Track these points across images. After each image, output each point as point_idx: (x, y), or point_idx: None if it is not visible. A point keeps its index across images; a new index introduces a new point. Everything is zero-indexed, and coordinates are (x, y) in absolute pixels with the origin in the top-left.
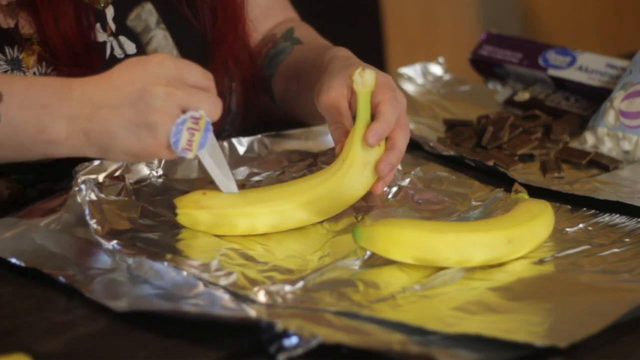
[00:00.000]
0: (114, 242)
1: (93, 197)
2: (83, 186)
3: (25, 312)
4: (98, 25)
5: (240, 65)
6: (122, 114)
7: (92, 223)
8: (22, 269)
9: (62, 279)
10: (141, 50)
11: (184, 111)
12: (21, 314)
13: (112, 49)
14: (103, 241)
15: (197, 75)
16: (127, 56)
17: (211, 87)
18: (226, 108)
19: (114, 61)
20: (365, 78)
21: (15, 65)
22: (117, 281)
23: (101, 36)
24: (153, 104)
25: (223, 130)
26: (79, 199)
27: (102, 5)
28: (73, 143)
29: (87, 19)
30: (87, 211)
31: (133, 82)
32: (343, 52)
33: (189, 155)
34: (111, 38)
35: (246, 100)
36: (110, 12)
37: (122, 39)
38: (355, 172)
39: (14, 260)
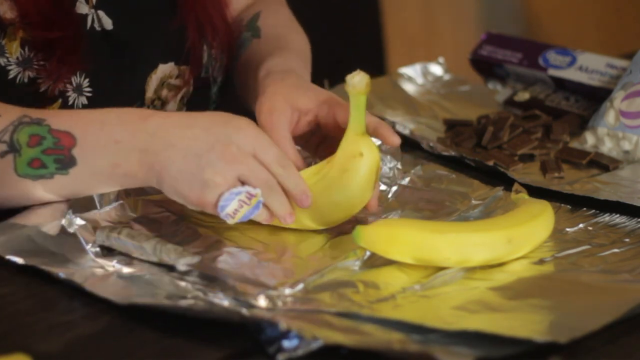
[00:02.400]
0: (114, 261)
1: (81, 221)
2: (70, 215)
3: (25, 312)
4: None
5: (210, 18)
6: (185, 160)
7: (89, 248)
8: (22, 269)
9: (62, 274)
10: (118, 26)
11: (241, 182)
12: (21, 314)
13: (93, 21)
14: (104, 261)
15: (271, 155)
16: (104, 31)
17: (279, 174)
18: (210, 78)
19: (93, 34)
20: (355, 80)
21: None
22: (117, 279)
23: (83, 8)
24: (214, 164)
25: (213, 101)
26: (69, 230)
27: None
28: (143, 174)
29: None
30: (81, 238)
31: (207, 134)
32: (281, 66)
33: (230, 221)
34: (92, 10)
35: (225, 66)
36: None
37: (101, 13)
38: (334, 175)
39: (13, 258)
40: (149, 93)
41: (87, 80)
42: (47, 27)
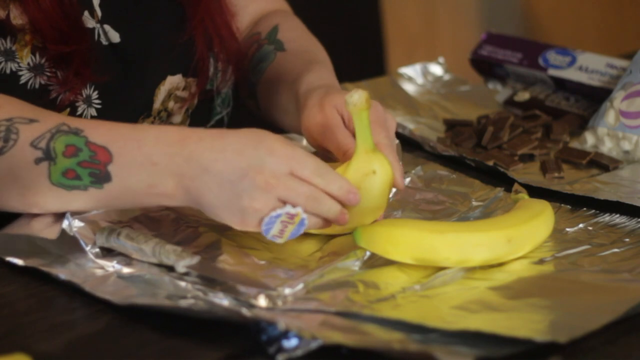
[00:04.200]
0: (114, 262)
1: (80, 223)
2: (69, 218)
3: (25, 312)
4: (86, 12)
5: (218, 30)
6: (220, 187)
7: (88, 249)
8: (22, 269)
9: (62, 276)
10: (125, 40)
11: (282, 201)
12: (21, 314)
13: (99, 35)
14: (104, 262)
15: (308, 169)
16: (111, 44)
17: (320, 184)
18: (214, 90)
19: (100, 48)
20: (355, 98)
21: (9, 57)
22: (117, 279)
23: (90, 22)
24: (250, 191)
25: (216, 113)
26: (69, 232)
27: None
28: (181, 197)
29: None
30: (81, 241)
31: (240, 158)
32: (320, 80)
33: (279, 241)
34: (98, 25)
35: (235, 79)
36: None
37: (107, 27)
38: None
39: (13, 260)
40: (157, 104)
41: (96, 92)
42: (60, 40)
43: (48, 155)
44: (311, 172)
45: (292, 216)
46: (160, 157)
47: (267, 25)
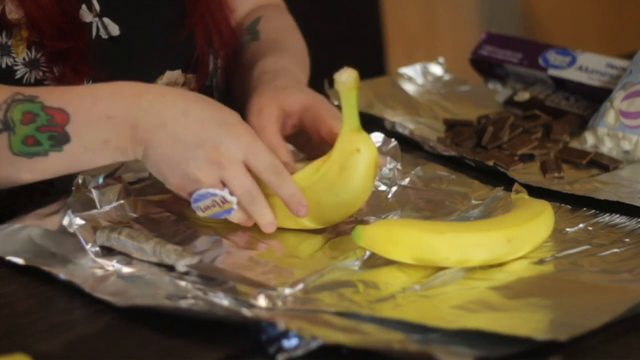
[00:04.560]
0: (114, 261)
1: (81, 221)
2: (70, 215)
3: (25, 312)
4: (84, 6)
5: (218, 25)
6: (173, 147)
7: (89, 248)
8: (22, 269)
9: (62, 276)
10: (125, 32)
11: (223, 184)
12: (21, 314)
13: (98, 29)
14: (104, 261)
15: (264, 162)
16: (111, 38)
17: (272, 181)
18: (213, 87)
19: (99, 42)
20: (344, 77)
21: (5, 52)
22: (117, 279)
23: (87, 16)
24: (200, 161)
25: None
26: (69, 230)
27: None
28: (132, 148)
29: None
30: (81, 238)
31: (201, 128)
32: (274, 65)
33: (199, 214)
34: (96, 19)
35: (229, 74)
36: None
37: (106, 20)
38: (333, 174)
39: (13, 259)
40: None
41: None
42: (58, 36)
43: (7, 126)
44: (266, 166)
45: (224, 201)
46: (116, 110)
47: (252, 17)
